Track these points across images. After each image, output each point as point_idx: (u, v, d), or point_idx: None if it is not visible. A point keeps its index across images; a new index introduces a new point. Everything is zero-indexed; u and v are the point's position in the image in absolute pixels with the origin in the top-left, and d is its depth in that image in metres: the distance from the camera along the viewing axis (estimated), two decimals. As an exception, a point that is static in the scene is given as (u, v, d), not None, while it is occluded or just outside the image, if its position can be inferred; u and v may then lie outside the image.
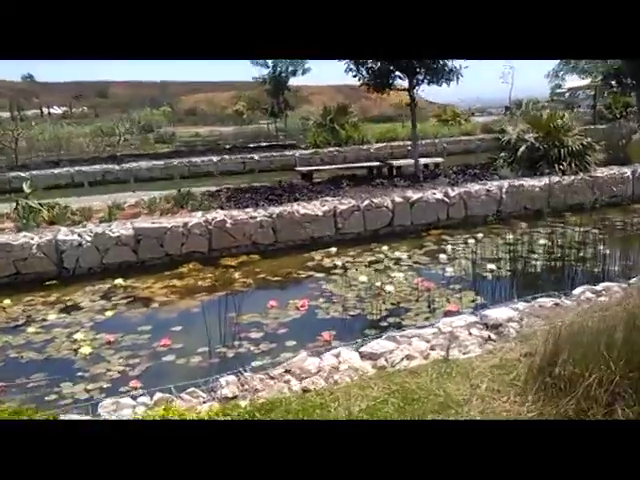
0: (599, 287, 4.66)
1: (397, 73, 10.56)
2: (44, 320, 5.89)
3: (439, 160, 12.91)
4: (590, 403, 2.48)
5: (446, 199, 9.18)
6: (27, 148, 22.84)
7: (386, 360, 3.52)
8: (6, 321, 5.96)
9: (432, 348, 3.71)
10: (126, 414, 3.09)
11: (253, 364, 4.40)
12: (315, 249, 8.19)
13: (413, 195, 9.07)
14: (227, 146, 23.45)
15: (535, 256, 7.10)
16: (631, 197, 10.42)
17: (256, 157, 20.23)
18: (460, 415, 2.76)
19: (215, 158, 20.11)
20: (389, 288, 6.20)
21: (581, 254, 7.20)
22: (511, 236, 8.15)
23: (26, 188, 9.09)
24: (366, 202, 8.78)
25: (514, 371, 3.11)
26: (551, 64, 26.07)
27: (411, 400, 3.00)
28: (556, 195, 9.75)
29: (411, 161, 12.90)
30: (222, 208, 8.69)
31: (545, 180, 9.75)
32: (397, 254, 7.69)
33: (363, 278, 6.59)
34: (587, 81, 25.86)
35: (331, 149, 20.59)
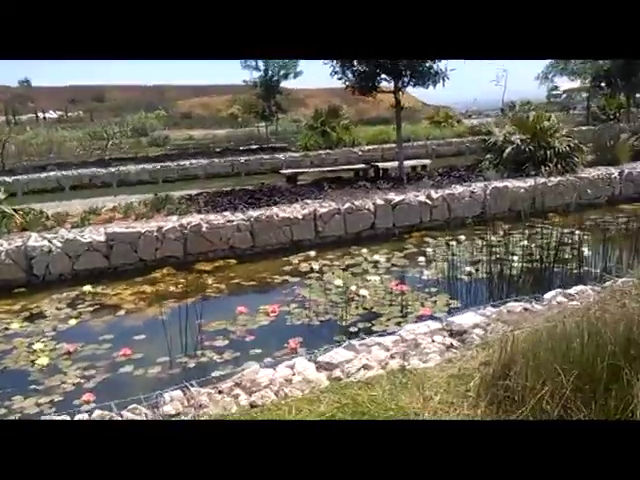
0: (572, 291, 4.48)
1: (383, 76, 10.41)
2: (6, 329, 5.69)
3: (426, 162, 12.75)
4: (541, 418, 2.31)
5: (429, 201, 9.01)
6: (17, 152, 22.71)
7: (342, 371, 3.34)
8: (-33, 331, 5.78)
9: (392, 357, 3.53)
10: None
11: (213, 374, 4.22)
12: (294, 253, 8.02)
13: (395, 197, 8.90)
14: (217, 149, 23.31)
15: (515, 258, 6.92)
16: (618, 197, 10.26)
17: (245, 160, 20.07)
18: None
19: (204, 161, 19.96)
20: (363, 292, 6.04)
21: (561, 255, 7.03)
22: (493, 238, 8.02)
23: (0, 194, 8.90)
24: (347, 205, 8.61)
25: (471, 381, 2.93)
26: (541, 66, 25.97)
27: (361, 414, 2.82)
28: (541, 196, 9.58)
29: (394, 164, 12.77)
30: (199, 212, 8.52)
31: (531, 181, 9.60)
32: (376, 257, 7.52)
33: (338, 282, 6.42)
34: (578, 83, 25.80)
35: (321, 152, 20.43)
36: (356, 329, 5.16)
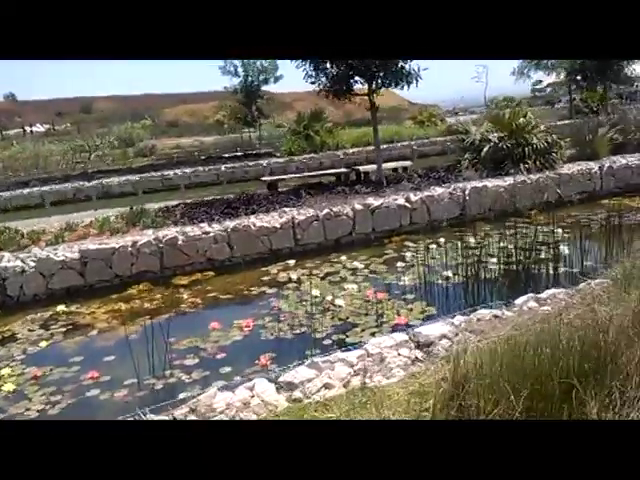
0: (544, 295, 4.41)
1: (356, 78, 10.34)
2: (-24, 355, 5.59)
3: (407, 164, 12.69)
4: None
5: (408, 204, 8.94)
6: (3, 168, 22.53)
7: (302, 391, 3.26)
8: None
9: (356, 373, 3.45)
10: None
11: (181, 396, 4.14)
12: (274, 262, 7.93)
13: (374, 202, 8.82)
14: (203, 157, 23.20)
15: (494, 260, 6.85)
16: (600, 192, 10.23)
17: (229, 168, 19.97)
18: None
19: (188, 170, 19.85)
20: (339, 302, 5.96)
21: (540, 255, 6.99)
22: (472, 240, 7.96)
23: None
24: (325, 211, 8.53)
25: (430, 399, 2.85)
26: (516, 62, 25.97)
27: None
28: (521, 194, 9.54)
29: (375, 167, 12.71)
30: (175, 224, 8.42)
31: (510, 180, 9.55)
32: (355, 264, 7.43)
33: (315, 292, 6.32)
34: (553, 77, 25.81)
35: (306, 156, 20.41)
36: (330, 341, 5.08)
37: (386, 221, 8.87)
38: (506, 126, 10.03)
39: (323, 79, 10.37)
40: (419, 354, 3.61)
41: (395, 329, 5.01)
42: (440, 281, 6.44)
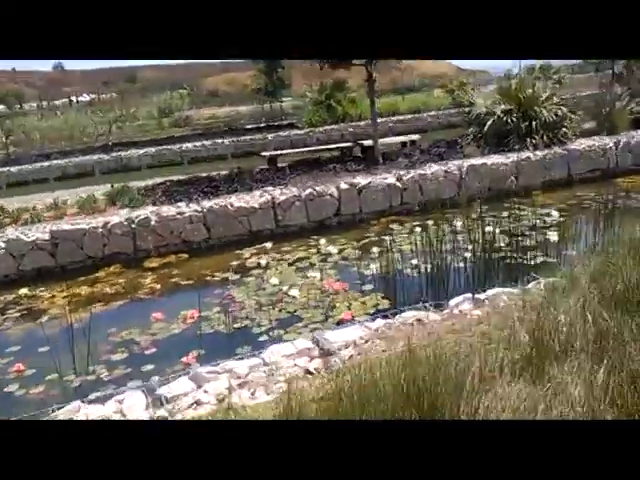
0: (483, 296, 3.97)
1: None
2: None
3: (415, 137, 12.06)
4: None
5: (398, 184, 8.45)
6: (40, 139, 22.73)
7: (172, 408, 2.98)
8: None
9: (240, 386, 3.14)
10: None
11: (91, 396, 3.93)
12: (252, 244, 7.65)
13: (361, 181, 8.37)
14: (225, 129, 22.93)
15: (474, 246, 6.34)
16: (615, 170, 9.43)
17: (249, 139, 19.65)
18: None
19: (207, 143, 19.65)
20: (294, 293, 5.64)
21: (526, 242, 6.44)
22: (459, 223, 7.44)
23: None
24: (308, 191, 8.15)
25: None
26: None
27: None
28: (525, 172, 8.88)
29: (386, 140, 12.16)
30: (154, 204, 8.21)
31: (513, 157, 8.89)
32: (330, 248, 7.08)
33: (275, 280, 6.03)
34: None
35: (327, 127, 19.86)
36: (266, 338, 4.79)
37: (375, 201, 8.41)
38: (513, 98, 9.29)
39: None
40: (316, 365, 3.26)
41: (339, 325, 4.69)
42: (408, 270, 6.02)
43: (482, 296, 3.96)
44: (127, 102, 32.74)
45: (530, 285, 4.07)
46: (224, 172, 10.51)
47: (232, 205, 7.86)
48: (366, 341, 3.46)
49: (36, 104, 44.06)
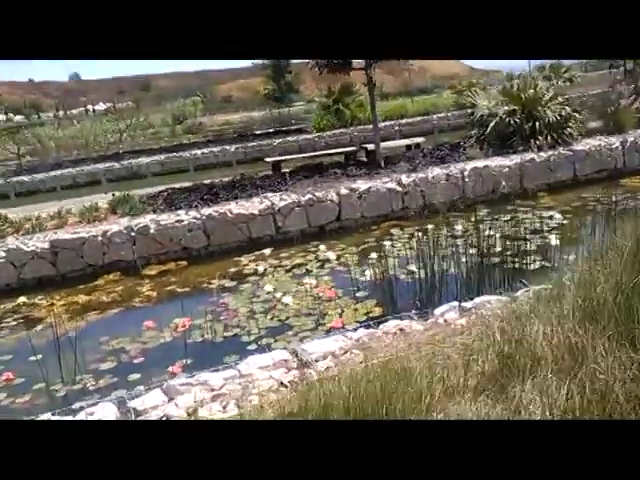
0: (470, 304, 3.87)
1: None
2: None
3: (419, 140, 11.96)
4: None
5: (399, 188, 8.37)
6: (55, 148, 22.93)
7: (142, 420, 2.94)
8: None
9: (213, 399, 3.09)
10: None
11: (74, 406, 3.92)
12: (251, 251, 7.63)
13: (361, 186, 8.31)
14: (235, 135, 23.01)
15: (472, 251, 6.24)
16: (622, 170, 9.24)
17: (256, 145, 19.68)
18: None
19: (216, 149, 19.73)
20: (287, 300, 5.59)
21: (525, 247, 6.31)
22: (459, 227, 7.34)
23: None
24: (307, 197, 8.10)
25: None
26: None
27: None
28: (529, 174, 8.74)
29: (390, 143, 12.08)
30: (155, 212, 8.22)
31: (516, 158, 8.75)
32: (329, 254, 7.00)
33: (269, 288, 5.98)
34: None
35: (336, 131, 19.83)
36: (254, 347, 4.74)
37: (376, 206, 8.34)
38: (516, 98, 9.16)
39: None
40: (292, 377, 3.20)
41: (329, 334, 4.62)
42: (403, 276, 5.93)
43: (469, 304, 3.86)
44: (142, 110, 33.13)
45: (519, 293, 3.96)
46: (226, 179, 10.50)
47: (231, 212, 7.84)
48: (345, 352, 3.40)
49: (53, 114, 44.85)
